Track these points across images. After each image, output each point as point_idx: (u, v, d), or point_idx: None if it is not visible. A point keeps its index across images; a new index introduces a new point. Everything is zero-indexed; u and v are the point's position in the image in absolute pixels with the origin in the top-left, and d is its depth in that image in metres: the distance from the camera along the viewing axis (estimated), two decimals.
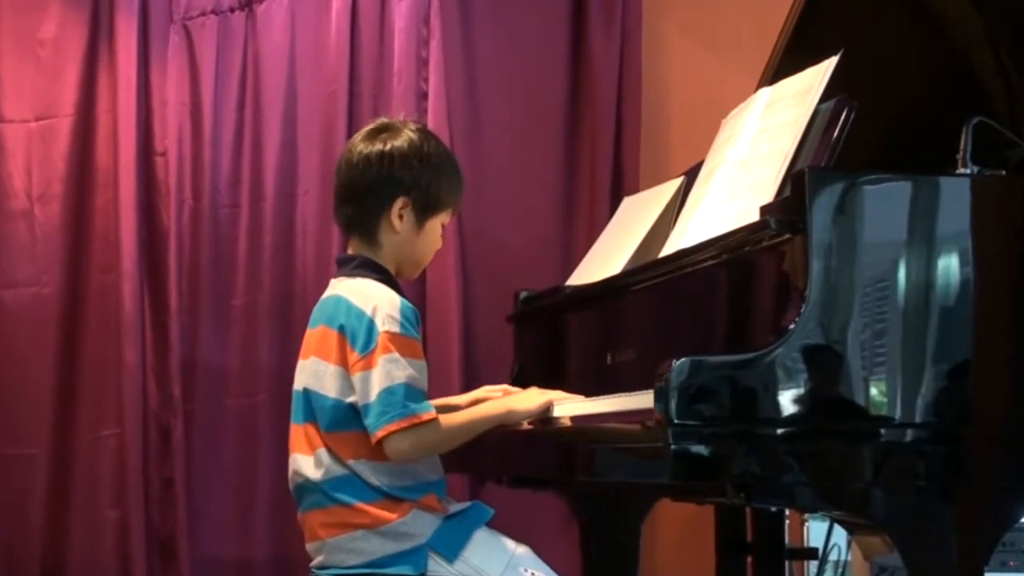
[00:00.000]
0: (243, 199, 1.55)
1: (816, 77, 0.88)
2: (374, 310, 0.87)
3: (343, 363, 0.88)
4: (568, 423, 0.87)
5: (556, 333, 1.16)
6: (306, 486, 0.89)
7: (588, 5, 1.50)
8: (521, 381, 1.07)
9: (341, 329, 0.88)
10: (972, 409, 0.77)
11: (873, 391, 0.75)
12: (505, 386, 1.01)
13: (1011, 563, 1.01)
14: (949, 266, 0.77)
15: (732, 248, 0.84)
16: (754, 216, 0.82)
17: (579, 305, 1.11)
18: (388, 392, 0.85)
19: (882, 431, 0.75)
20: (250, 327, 1.53)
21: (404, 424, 0.85)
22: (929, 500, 0.76)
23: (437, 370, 1.44)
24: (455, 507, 0.90)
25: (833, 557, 1.24)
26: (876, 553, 0.88)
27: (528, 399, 0.91)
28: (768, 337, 0.74)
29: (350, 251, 0.94)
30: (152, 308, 1.54)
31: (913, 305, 0.77)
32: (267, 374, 1.51)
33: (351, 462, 0.87)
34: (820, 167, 0.82)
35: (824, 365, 0.74)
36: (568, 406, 0.89)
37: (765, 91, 0.96)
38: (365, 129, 0.95)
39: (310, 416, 0.89)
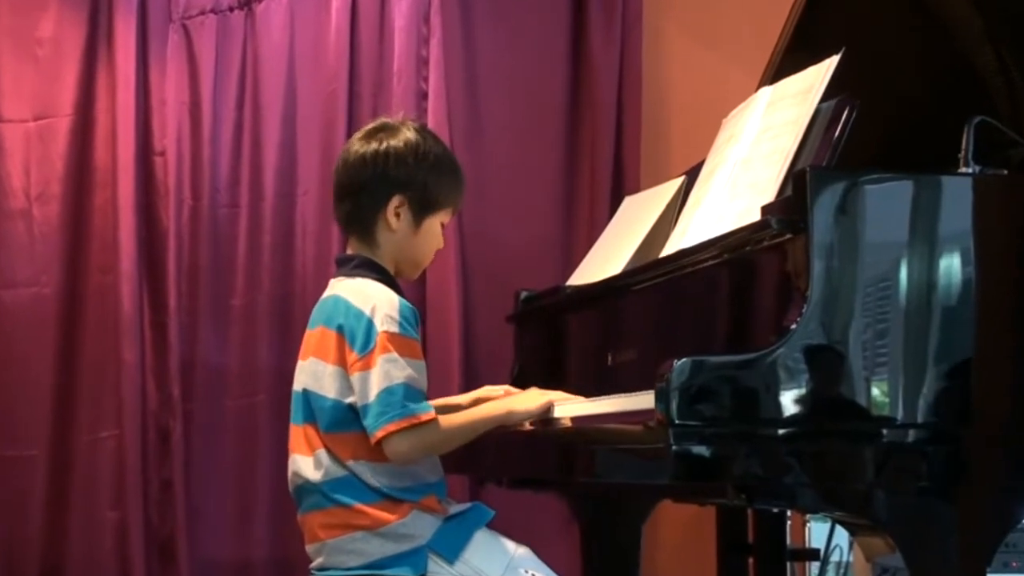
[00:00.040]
0: (242, 199, 1.55)
1: (817, 76, 0.88)
2: (373, 310, 0.87)
3: (342, 363, 0.87)
4: (569, 424, 0.87)
5: (556, 333, 1.16)
6: (305, 487, 0.89)
7: (588, 4, 1.50)
8: (521, 381, 1.07)
9: (340, 329, 0.88)
10: (974, 409, 0.77)
11: (875, 391, 0.75)
12: (506, 387, 1.00)
13: (1013, 564, 1.01)
14: (951, 266, 0.77)
15: (733, 248, 0.84)
16: (755, 216, 0.81)
17: (580, 305, 1.11)
18: (387, 392, 0.85)
19: (884, 431, 0.75)
20: (249, 327, 1.52)
21: (403, 424, 0.85)
22: (931, 501, 0.76)
23: (437, 370, 1.44)
24: (455, 508, 0.90)
25: (835, 558, 1.24)
26: (878, 554, 0.88)
27: (528, 400, 0.91)
28: (769, 337, 0.74)
29: (349, 251, 0.94)
30: (151, 308, 1.53)
31: (915, 305, 0.76)
32: (266, 375, 1.51)
33: (351, 463, 0.87)
34: (821, 166, 0.82)
35: (826, 365, 0.74)
36: (568, 407, 0.89)
37: (766, 90, 0.95)
38: (364, 129, 0.95)
39: (309, 417, 0.89)
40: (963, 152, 0.82)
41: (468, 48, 1.51)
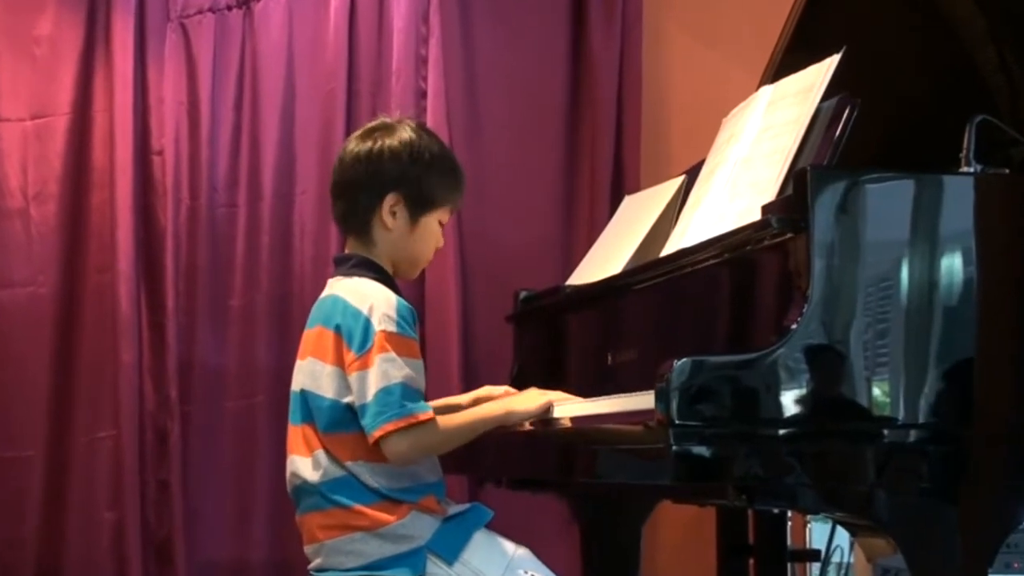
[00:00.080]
0: (240, 199, 1.54)
1: (818, 75, 0.88)
2: (370, 309, 0.86)
3: (340, 363, 0.87)
4: (568, 424, 0.87)
5: (556, 333, 1.15)
6: (304, 488, 0.89)
7: (588, 3, 1.50)
8: (521, 381, 1.07)
9: (337, 329, 0.88)
10: (976, 409, 0.77)
11: (876, 391, 0.75)
12: (506, 387, 1.00)
13: (1015, 564, 1.00)
14: (952, 265, 0.77)
15: (734, 247, 0.83)
16: (756, 215, 0.81)
17: (579, 305, 1.11)
18: (385, 392, 0.84)
19: (885, 432, 0.75)
20: (248, 328, 1.52)
21: (401, 424, 0.84)
22: (933, 501, 0.76)
23: (436, 370, 1.44)
24: (454, 509, 0.90)
25: (836, 559, 1.24)
26: (879, 555, 0.87)
27: (528, 400, 0.91)
28: (770, 337, 0.74)
29: (347, 251, 0.93)
30: (149, 308, 1.53)
31: (916, 305, 0.76)
32: (265, 375, 1.50)
33: (349, 464, 0.87)
34: (822, 166, 0.82)
35: (826, 365, 0.74)
36: (568, 407, 0.89)
37: (767, 89, 0.95)
38: (362, 128, 0.94)
39: (308, 417, 0.89)
40: (964, 151, 0.82)
41: (467, 47, 1.51)
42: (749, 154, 0.92)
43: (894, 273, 0.76)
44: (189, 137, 1.54)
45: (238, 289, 1.53)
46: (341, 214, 0.93)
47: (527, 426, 0.90)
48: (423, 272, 1.09)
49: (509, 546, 0.89)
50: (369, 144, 0.91)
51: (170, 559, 1.48)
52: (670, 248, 0.96)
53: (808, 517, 1.30)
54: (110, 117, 1.53)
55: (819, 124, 0.87)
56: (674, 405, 0.70)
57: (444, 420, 0.88)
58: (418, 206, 0.91)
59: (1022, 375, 0.78)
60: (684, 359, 0.71)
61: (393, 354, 0.85)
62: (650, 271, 0.95)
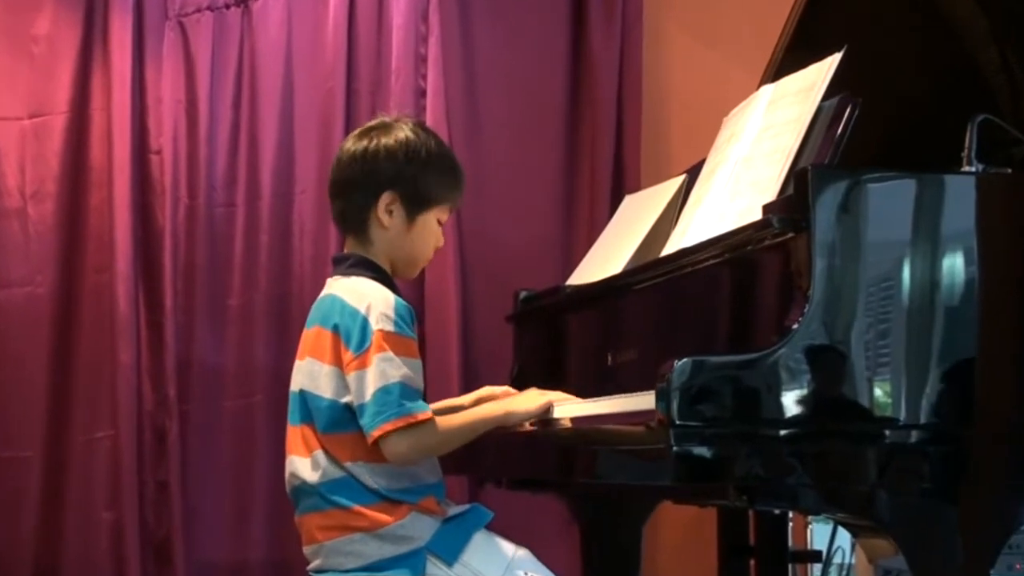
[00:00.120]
0: (239, 198, 1.54)
1: (819, 74, 0.88)
2: (368, 308, 0.86)
3: (338, 363, 0.87)
4: (568, 424, 0.86)
5: (556, 333, 1.15)
6: (303, 488, 0.88)
7: (588, 1, 1.49)
8: (521, 381, 1.06)
9: (335, 328, 0.87)
10: (977, 410, 0.77)
11: (877, 392, 0.74)
12: (506, 387, 0.99)
13: (1017, 566, 1.00)
14: (954, 265, 0.77)
15: (734, 247, 0.83)
16: (757, 214, 0.81)
17: (579, 305, 1.10)
18: (383, 391, 0.84)
19: (886, 432, 0.75)
20: (246, 327, 1.51)
21: (400, 423, 0.84)
22: (934, 502, 0.76)
23: (436, 370, 1.43)
24: (454, 510, 0.89)
25: (837, 560, 1.23)
26: (880, 556, 0.87)
27: (527, 400, 0.90)
28: (771, 337, 0.74)
29: (346, 250, 0.93)
30: (147, 308, 1.52)
31: (918, 305, 0.76)
32: (263, 375, 1.50)
33: (348, 464, 0.86)
34: (823, 165, 0.81)
35: (828, 365, 0.74)
36: (568, 407, 0.88)
37: (767, 88, 0.95)
38: (360, 128, 0.94)
39: (307, 417, 0.89)
40: (966, 151, 0.82)
41: (467, 46, 1.51)
42: (750, 153, 0.92)
43: (895, 273, 0.76)
44: (187, 136, 1.53)
45: (237, 288, 1.52)
46: (339, 213, 0.93)
47: (527, 426, 0.90)
48: (423, 272, 1.08)
49: (509, 547, 0.89)
50: (365, 143, 0.91)
51: (169, 559, 1.48)
52: (671, 248, 0.96)
53: (809, 518, 1.30)
54: (108, 116, 1.52)
55: (820, 123, 0.86)
56: (675, 405, 0.70)
57: (444, 420, 0.88)
58: (415, 204, 0.90)
59: (1023, 375, 0.78)
60: (685, 359, 0.70)
61: (391, 353, 0.84)
62: (650, 271, 0.95)
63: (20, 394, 1.52)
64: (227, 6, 1.54)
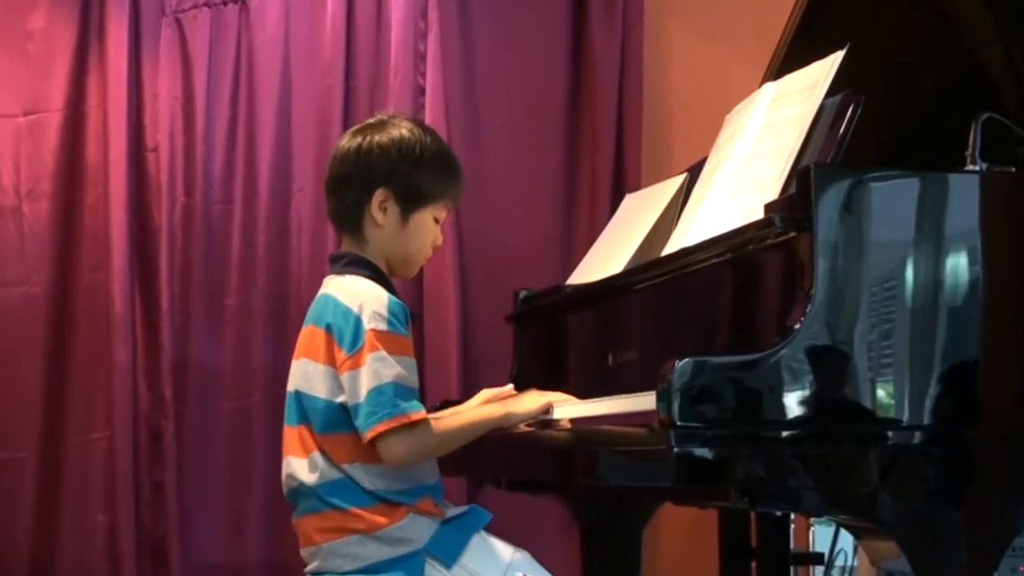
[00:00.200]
0: (236, 196, 1.52)
1: (822, 72, 0.87)
2: (360, 307, 0.85)
3: (331, 363, 0.86)
4: (568, 425, 0.86)
5: (556, 333, 1.14)
6: (300, 490, 0.87)
7: (589, 0, 1.48)
8: (521, 382, 1.05)
9: (328, 328, 0.86)
10: (981, 411, 0.76)
11: (880, 393, 0.74)
12: (511, 387, 0.98)
13: (1020, 568, 0.99)
14: (958, 265, 0.76)
15: (736, 246, 0.82)
16: (758, 213, 0.80)
17: (580, 305, 1.10)
18: (377, 391, 0.83)
19: (889, 433, 0.74)
20: (243, 327, 1.50)
21: (394, 424, 0.83)
22: (937, 504, 0.75)
23: (435, 370, 1.43)
24: (452, 511, 0.89)
25: (839, 562, 1.23)
26: (883, 558, 0.86)
27: (527, 402, 0.90)
28: (773, 337, 0.73)
29: (342, 249, 0.92)
30: (143, 307, 1.51)
31: (921, 305, 0.75)
32: (261, 375, 1.49)
33: (346, 466, 0.86)
34: (826, 163, 0.81)
35: (830, 366, 0.73)
36: (568, 408, 0.88)
37: (769, 86, 0.94)
38: (356, 125, 0.93)
39: (303, 418, 0.88)
40: (970, 149, 0.81)
41: (466, 44, 1.50)
42: (752, 151, 0.91)
43: (898, 273, 0.75)
44: (184, 133, 1.52)
45: (234, 288, 1.51)
46: (334, 211, 0.92)
47: (527, 427, 0.89)
48: (422, 271, 1.08)
49: (508, 549, 0.88)
50: (359, 140, 0.90)
51: (165, 561, 1.47)
52: (672, 247, 0.95)
53: (811, 520, 1.29)
54: (104, 113, 1.51)
55: (823, 121, 0.86)
56: (676, 406, 0.69)
57: (442, 422, 0.87)
58: (409, 202, 0.89)
59: None
60: (686, 359, 0.70)
61: (384, 352, 0.84)
62: (651, 270, 0.94)
63: (15, 394, 1.51)
64: (224, 3, 1.52)
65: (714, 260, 0.85)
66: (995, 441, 0.76)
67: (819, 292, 0.73)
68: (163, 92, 1.52)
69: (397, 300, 0.87)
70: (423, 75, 1.48)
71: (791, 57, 0.99)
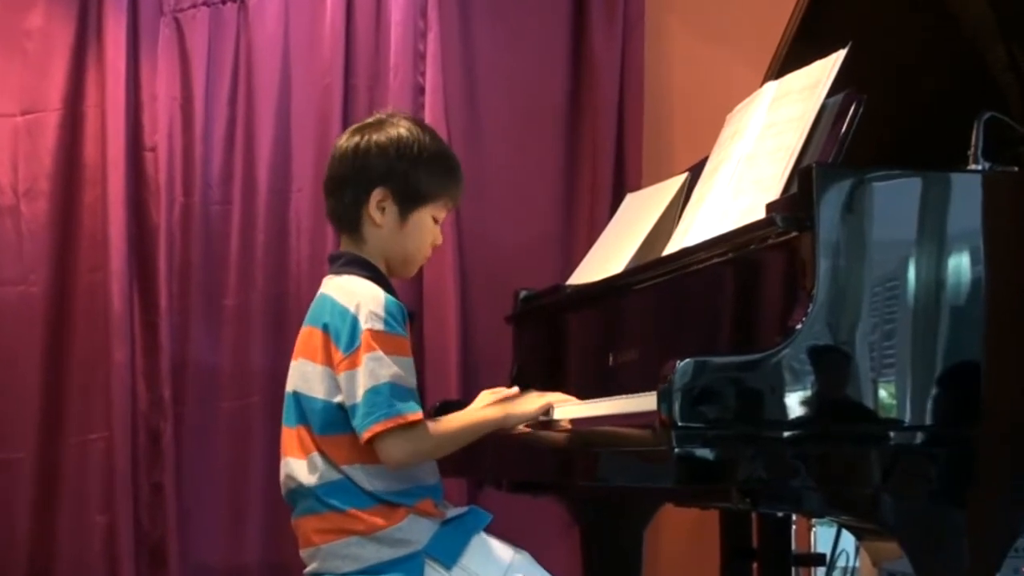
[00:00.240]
0: (235, 196, 1.52)
1: (823, 71, 0.87)
2: (357, 307, 0.85)
3: (329, 363, 0.86)
4: (568, 426, 0.85)
5: (556, 333, 1.14)
6: (300, 491, 0.87)
7: (589, 0, 1.48)
8: (520, 382, 1.05)
9: (325, 328, 0.86)
10: (983, 411, 0.76)
11: (882, 393, 0.74)
12: (515, 389, 0.97)
13: (1023, 569, 0.99)
14: (960, 265, 0.76)
15: (737, 246, 0.82)
16: (760, 213, 0.80)
17: (580, 304, 1.09)
18: (373, 392, 0.83)
19: (891, 434, 0.74)
20: (242, 327, 1.50)
21: (390, 424, 0.83)
22: (940, 504, 0.75)
23: (435, 371, 1.42)
24: (452, 512, 0.88)
25: (841, 563, 1.22)
26: (885, 559, 0.86)
27: (527, 402, 0.89)
28: (774, 337, 0.73)
29: (341, 248, 0.92)
30: (141, 308, 1.50)
31: (923, 305, 0.75)
32: (260, 376, 1.48)
33: (345, 467, 0.85)
34: (828, 163, 0.80)
35: (832, 366, 0.73)
36: (568, 409, 0.87)
37: (771, 85, 0.94)
38: (355, 124, 0.93)
39: (302, 419, 0.87)
40: (972, 149, 0.81)
41: (466, 43, 1.49)
42: (753, 151, 0.91)
43: (900, 273, 0.75)
44: (183, 133, 1.51)
45: (232, 288, 1.50)
46: (332, 211, 0.92)
47: (527, 428, 0.89)
48: (421, 271, 1.08)
49: (508, 550, 0.88)
50: (357, 139, 0.90)
51: (163, 562, 1.46)
52: (673, 247, 0.95)
53: (813, 521, 1.29)
54: (102, 113, 1.51)
55: (824, 120, 0.85)
56: (677, 406, 0.69)
57: (441, 423, 0.87)
58: (407, 201, 0.89)
59: None
60: (687, 360, 0.70)
61: (380, 352, 0.83)
62: (652, 270, 0.94)
63: (13, 395, 1.50)
64: (223, 1, 1.52)
65: (715, 260, 0.85)
66: (997, 441, 0.76)
67: (821, 292, 0.73)
68: (161, 91, 1.51)
69: (394, 300, 0.86)
70: (423, 74, 1.47)
71: (792, 56, 0.99)
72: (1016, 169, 0.81)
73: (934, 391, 0.74)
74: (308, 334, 0.88)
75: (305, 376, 0.87)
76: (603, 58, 1.47)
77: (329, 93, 1.48)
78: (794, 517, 1.19)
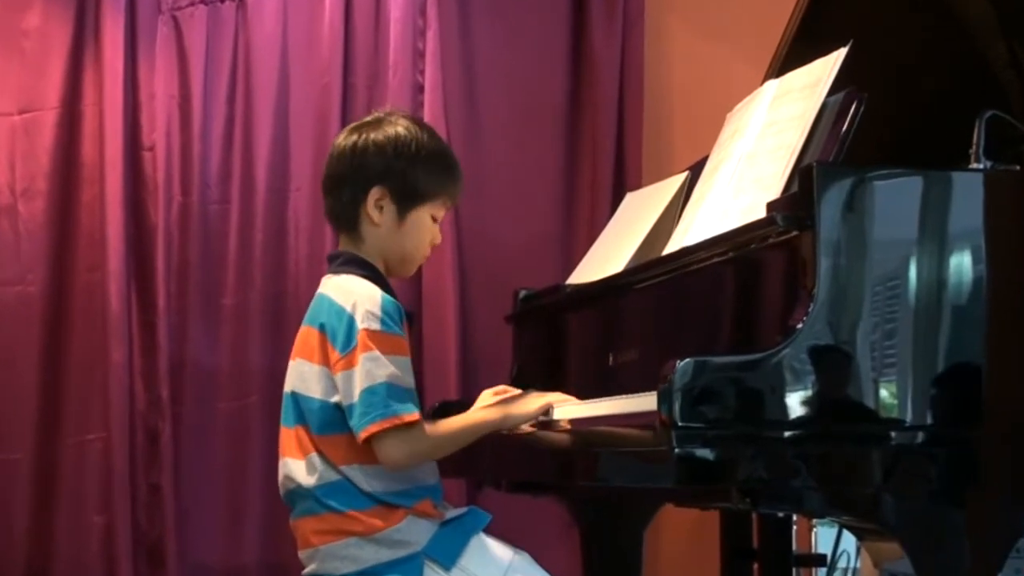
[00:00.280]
0: (233, 195, 1.51)
1: (824, 69, 0.86)
2: (353, 307, 0.85)
3: (326, 363, 0.85)
4: (568, 426, 0.85)
5: (556, 333, 1.14)
6: (298, 492, 0.87)
7: None
8: (520, 382, 1.05)
9: (322, 328, 0.86)
10: (985, 411, 0.75)
11: (883, 393, 0.73)
12: (517, 390, 0.97)
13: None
14: (961, 264, 0.76)
15: (738, 245, 0.82)
16: (760, 212, 0.80)
17: (580, 304, 1.09)
18: (369, 392, 0.82)
19: (892, 434, 0.74)
20: (241, 327, 1.49)
21: (386, 424, 0.82)
22: (941, 505, 0.75)
23: (434, 370, 1.42)
24: (451, 512, 0.88)
25: (842, 564, 1.22)
26: (886, 559, 0.86)
27: (526, 403, 0.89)
28: (775, 337, 0.73)
29: (339, 248, 0.92)
30: (139, 307, 1.50)
31: (924, 304, 0.75)
32: (258, 375, 1.48)
33: (344, 468, 0.85)
34: (828, 162, 0.80)
35: (833, 366, 0.72)
36: (568, 409, 0.87)
37: (772, 84, 0.94)
38: (353, 123, 0.92)
39: (300, 419, 0.87)
40: (974, 147, 0.81)
41: (465, 41, 1.49)
42: (754, 150, 0.90)
43: (902, 272, 0.75)
44: (181, 132, 1.51)
45: (231, 287, 1.50)
46: (330, 210, 0.92)
47: (526, 428, 0.88)
48: (420, 271, 1.07)
49: (507, 550, 0.87)
50: (355, 138, 0.90)
51: (162, 562, 1.46)
52: (673, 246, 0.94)
53: (814, 521, 1.29)
54: (100, 112, 1.50)
55: (825, 119, 0.85)
56: (677, 406, 0.69)
57: (439, 424, 0.86)
58: (405, 200, 0.89)
59: None
60: (687, 359, 0.69)
61: (377, 352, 0.83)
62: (652, 270, 0.94)
63: (10, 395, 1.50)
64: (221, 0, 1.52)
65: (716, 259, 0.84)
66: (999, 441, 0.76)
67: (821, 291, 0.72)
68: (159, 90, 1.51)
69: (391, 299, 0.86)
70: (422, 73, 1.47)
71: (793, 54, 0.99)
72: (1018, 168, 0.81)
73: (935, 391, 0.74)
74: (306, 334, 0.88)
75: (303, 376, 0.87)
76: (603, 56, 1.46)
77: (328, 92, 1.48)
78: (795, 517, 1.18)
